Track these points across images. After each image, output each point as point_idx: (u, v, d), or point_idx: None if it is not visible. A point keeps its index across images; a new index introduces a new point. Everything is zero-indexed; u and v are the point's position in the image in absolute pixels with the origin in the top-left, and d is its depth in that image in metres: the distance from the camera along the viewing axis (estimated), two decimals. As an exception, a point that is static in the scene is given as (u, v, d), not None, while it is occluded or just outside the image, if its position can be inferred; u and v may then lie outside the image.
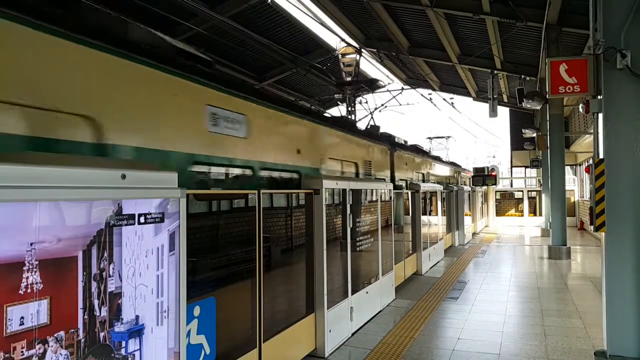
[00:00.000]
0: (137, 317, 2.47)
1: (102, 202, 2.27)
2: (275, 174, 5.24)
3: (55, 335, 2.04)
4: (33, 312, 1.95)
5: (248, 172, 4.60)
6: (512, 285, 9.97)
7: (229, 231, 4.24)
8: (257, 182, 4.67)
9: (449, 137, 31.55)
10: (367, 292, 7.20)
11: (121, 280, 2.37)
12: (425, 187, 11.93)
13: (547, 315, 7.44)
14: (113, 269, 2.33)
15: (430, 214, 12.67)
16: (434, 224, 13.24)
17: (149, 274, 2.54)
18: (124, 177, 2.38)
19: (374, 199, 7.84)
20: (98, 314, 2.26)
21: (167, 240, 2.66)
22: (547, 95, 6.60)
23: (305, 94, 21.59)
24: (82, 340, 2.17)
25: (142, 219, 2.49)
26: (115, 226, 2.34)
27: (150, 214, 2.55)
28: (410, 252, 10.97)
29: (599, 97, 5.28)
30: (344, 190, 6.42)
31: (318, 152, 6.26)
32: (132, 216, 2.43)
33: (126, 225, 2.40)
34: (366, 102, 18.40)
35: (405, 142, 12.72)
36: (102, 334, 2.28)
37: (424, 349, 5.97)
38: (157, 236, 2.59)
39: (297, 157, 5.60)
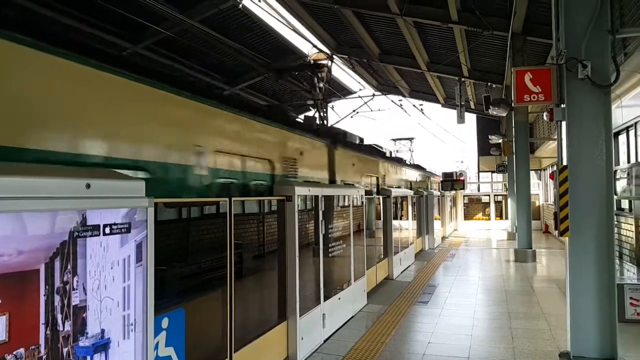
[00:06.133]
0: (102, 330, 2.39)
1: (65, 212, 2.19)
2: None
3: (15, 352, 1.95)
4: (-10, 330, 1.86)
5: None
6: (480, 288, 10.17)
7: (199, 239, 4.17)
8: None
9: (412, 138, 29.78)
10: (339, 298, 7.20)
11: (86, 294, 2.29)
12: (396, 192, 12.06)
13: (514, 318, 7.62)
14: (77, 281, 2.25)
15: (401, 219, 12.81)
16: (405, 228, 13.39)
17: (114, 286, 2.46)
18: (88, 186, 2.30)
19: (347, 204, 7.87)
20: (61, 328, 2.17)
21: (134, 251, 2.58)
22: (512, 103, 6.78)
23: (277, 99, 21.53)
24: (44, 357, 2.08)
25: (107, 230, 2.41)
26: (79, 237, 2.26)
27: (116, 224, 2.47)
28: (382, 256, 11.05)
29: (562, 105, 5.46)
30: (317, 196, 6.42)
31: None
32: (97, 227, 2.35)
33: (91, 236, 2.32)
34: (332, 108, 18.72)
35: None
36: (65, 350, 2.19)
37: (395, 353, 6.01)
38: (123, 247, 2.51)
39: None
